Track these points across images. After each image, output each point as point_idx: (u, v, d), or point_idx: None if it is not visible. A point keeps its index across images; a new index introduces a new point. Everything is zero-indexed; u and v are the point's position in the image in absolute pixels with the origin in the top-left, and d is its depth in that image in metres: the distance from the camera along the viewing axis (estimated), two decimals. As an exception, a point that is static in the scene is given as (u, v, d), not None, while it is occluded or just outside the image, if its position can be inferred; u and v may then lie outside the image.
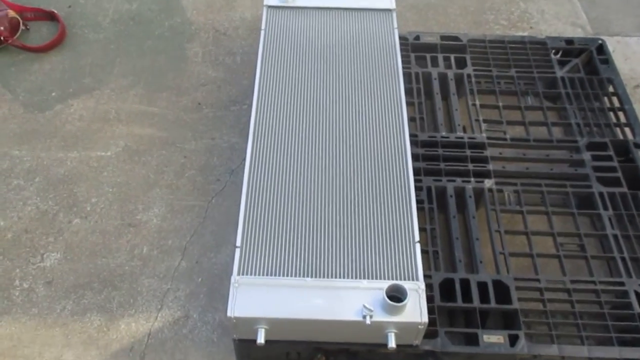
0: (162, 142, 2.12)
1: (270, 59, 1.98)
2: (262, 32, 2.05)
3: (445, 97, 2.14)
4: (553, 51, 2.26)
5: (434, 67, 2.20)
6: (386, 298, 1.35)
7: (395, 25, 2.09)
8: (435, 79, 2.16)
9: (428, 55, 2.23)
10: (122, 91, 2.28)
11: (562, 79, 2.16)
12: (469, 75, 2.16)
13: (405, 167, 1.68)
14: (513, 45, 2.28)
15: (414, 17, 2.61)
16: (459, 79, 2.18)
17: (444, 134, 1.98)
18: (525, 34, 2.53)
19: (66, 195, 1.95)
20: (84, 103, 2.23)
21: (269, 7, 2.13)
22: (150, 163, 2.05)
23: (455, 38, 2.30)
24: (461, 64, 2.22)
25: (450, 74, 2.17)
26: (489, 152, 1.93)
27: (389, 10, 2.14)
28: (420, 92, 2.12)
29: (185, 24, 2.55)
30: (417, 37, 2.30)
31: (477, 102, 2.08)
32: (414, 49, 2.26)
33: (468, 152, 1.92)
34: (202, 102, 2.25)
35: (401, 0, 2.67)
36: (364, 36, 2.06)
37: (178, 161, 2.06)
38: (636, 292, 1.60)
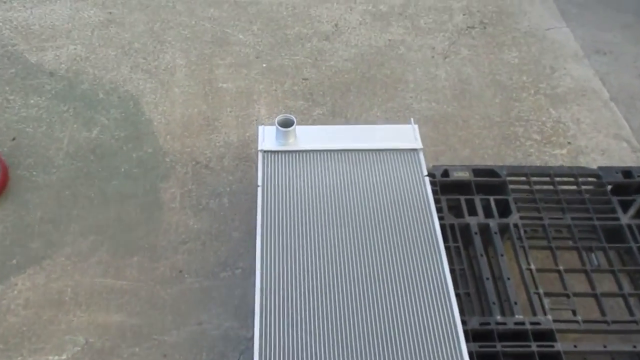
0: (134, 334, 1.64)
1: (272, 226, 1.53)
2: (260, 190, 1.61)
3: (491, 257, 1.72)
4: (609, 186, 1.87)
5: (472, 215, 1.78)
6: None
7: (425, 173, 1.67)
8: (475, 233, 1.74)
9: (462, 199, 1.81)
10: (80, 259, 1.80)
11: (629, 227, 1.76)
12: (516, 226, 1.75)
13: None
14: (562, 180, 1.88)
15: (432, 133, 2.20)
16: (504, 230, 1.76)
17: (499, 318, 1.55)
18: (564, 151, 2.14)
19: None
20: (31, 280, 1.75)
21: (265, 152, 1.69)
22: (119, 369, 1.57)
23: (492, 172, 1.89)
24: (504, 208, 1.80)
25: (493, 224, 1.75)
26: (560, 346, 1.50)
27: (415, 150, 1.72)
28: (459, 252, 1.69)
29: (158, 154, 2.10)
30: (446, 173, 1.88)
31: (532, 266, 1.66)
32: (444, 189, 1.85)
33: (534, 347, 1.49)
34: (183, 268, 1.79)
35: (413, 112, 2.26)
36: (387, 185, 1.63)
37: (156, 364, 1.58)
38: None
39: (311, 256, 1.48)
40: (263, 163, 1.67)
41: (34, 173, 2.02)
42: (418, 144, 1.73)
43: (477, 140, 2.18)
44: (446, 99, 2.33)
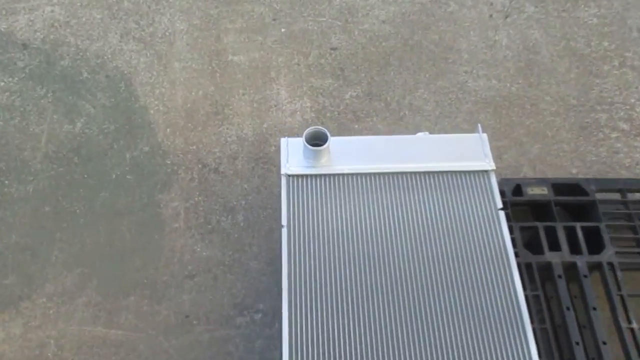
0: (132, 404, 1.33)
1: (302, 281, 1.18)
2: (285, 232, 1.24)
3: (578, 310, 1.35)
4: None
5: (554, 249, 1.40)
6: None
7: (499, 205, 1.27)
8: (559, 276, 1.36)
9: (541, 227, 1.42)
10: (65, 299, 1.47)
11: None
12: (611, 266, 1.37)
13: None
14: (668, 198, 1.48)
15: (493, 121, 1.77)
16: (594, 268, 1.39)
17: (594, 402, 1.21)
18: (661, 146, 1.72)
19: None
20: (5, 330, 1.42)
21: (290, 177, 1.30)
22: None
23: (576, 188, 1.49)
24: (594, 239, 1.41)
25: (582, 263, 1.37)
26: None
27: (485, 172, 1.32)
28: (538, 302, 1.33)
29: (156, 154, 1.71)
30: (518, 190, 1.49)
31: (635, 325, 1.30)
32: (516, 213, 1.46)
33: None
34: (190, 312, 1.45)
35: (469, 94, 1.83)
36: (448, 223, 1.25)
37: None
38: None
39: (352, 320, 1.13)
40: (288, 192, 1.28)
41: (6, 182, 1.65)
42: (489, 163, 1.32)
43: (549, 132, 1.76)
44: (509, 74, 1.88)
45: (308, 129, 1.31)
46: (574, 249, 1.40)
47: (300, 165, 1.32)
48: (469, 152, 1.35)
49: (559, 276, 1.36)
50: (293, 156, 1.33)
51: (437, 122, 1.77)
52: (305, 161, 1.32)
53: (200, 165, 1.69)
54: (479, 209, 1.27)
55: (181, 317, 1.44)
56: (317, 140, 1.33)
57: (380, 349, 1.10)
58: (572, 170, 1.68)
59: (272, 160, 1.69)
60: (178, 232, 1.57)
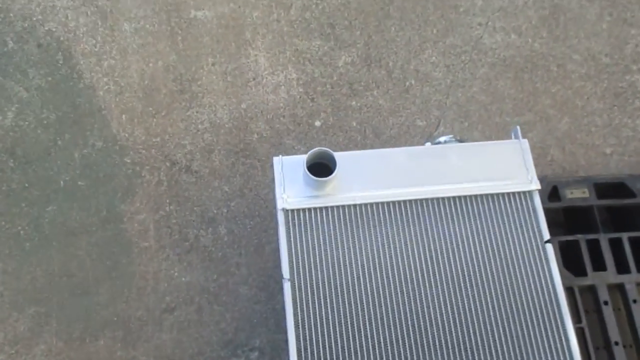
0: None
1: (312, 343, 0.96)
2: (288, 287, 0.99)
3: (629, 345, 1.17)
4: None
5: (598, 269, 1.19)
6: None
7: (546, 236, 1.04)
8: (605, 303, 1.17)
9: (582, 239, 1.21)
10: (19, 350, 1.22)
11: None
12: (663, 285, 1.18)
13: None
14: None
15: (513, 89, 1.49)
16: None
17: None
18: None
19: None
20: (-51, 395, 1.18)
21: (289, 212, 1.03)
22: None
23: (621, 188, 1.26)
24: (642, 252, 1.22)
25: (630, 285, 1.18)
26: None
27: (527, 192, 1.07)
28: (583, 337, 1.14)
29: (112, 150, 1.39)
30: (554, 191, 1.25)
31: (692, 358, 1.13)
32: (551, 219, 1.23)
33: None
34: (173, 356, 1.23)
35: (485, 55, 1.53)
36: (482, 260, 1.03)
37: None
38: None
39: None
40: (288, 233, 1.02)
41: None
42: (532, 180, 1.07)
43: (578, 101, 1.49)
44: (531, 25, 1.57)
45: (310, 152, 1.02)
46: (622, 265, 1.20)
47: (301, 194, 1.04)
48: (507, 165, 1.09)
49: (605, 302, 1.17)
50: (291, 182, 1.05)
51: (448, 93, 1.48)
52: (307, 189, 1.04)
53: (168, 163, 1.39)
54: (521, 242, 1.04)
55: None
56: (321, 160, 1.05)
57: None
58: (606, 150, 1.45)
59: (256, 153, 1.40)
60: (149, 253, 1.31)
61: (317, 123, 1.43)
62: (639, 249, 1.21)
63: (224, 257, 1.30)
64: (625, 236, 1.21)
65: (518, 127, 1.11)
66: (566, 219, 1.29)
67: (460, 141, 1.15)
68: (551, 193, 1.25)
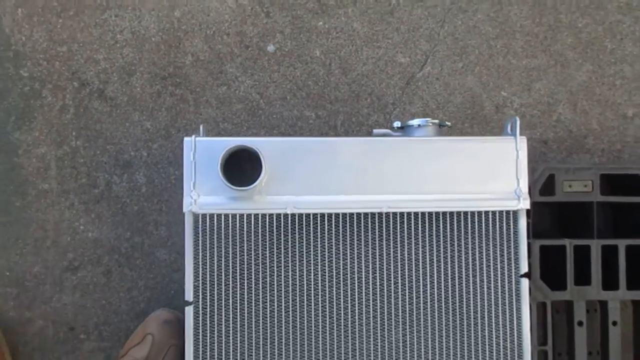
0: None
1: None
2: (189, 311, 0.79)
3: (596, 368, 1.01)
4: None
5: (581, 284, 0.99)
6: None
7: (524, 269, 0.83)
8: (579, 323, 0.98)
9: (570, 245, 0.99)
10: None
11: None
12: (652, 309, 1.00)
13: None
14: None
15: (529, 20, 1.15)
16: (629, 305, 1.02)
17: None
18: None
19: None
20: None
21: (201, 217, 0.80)
22: None
23: (636, 181, 1.01)
24: (637, 264, 1.00)
25: (614, 304, 0.99)
26: None
27: (514, 212, 0.83)
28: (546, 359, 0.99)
29: (4, 58, 1.09)
30: (550, 180, 1.00)
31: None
32: (540, 215, 1.00)
33: None
34: (75, 323, 1.06)
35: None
36: (447, 287, 0.83)
37: None
38: None
39: None
40: (196, 243, 0.80)
41: None
42: (520, 197, 0.83)
43: (608, 43, 1.16)
44: None
45: (227, 150, 0.75)
46: (609, 279, 1.00)
47: (218, 193, 0.79)
48: (493, 171, 0.83)
49: (579, 323, 0.99)
50: (205, 175, 0.80)
51: (445, 20, 1.14)
52: (227, 188, 0.79)
53: (76, 83, 1.09)
54: (491, 273, 0.83)
55: (63, 329, 1.06)
56: (240, 176, 0.79)
57: None
58: (627, 111, 1.16)
59: (189, 81, 1.10)
60: (49, 197, 1.07)
61: (271, 48, 1.11)
62: (636, 259, 1.00)
63: (141, 212, 1.08)
64: (622, 244, 0.99)
65: (517, 119, 0.84)
66: (559, 216, 1.06)
67: (440, 125, 0.87)
68: (546, 182, 1.00)
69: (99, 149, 1.08)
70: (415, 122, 0.85)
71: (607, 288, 0.99)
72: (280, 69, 1.11)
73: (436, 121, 0.85)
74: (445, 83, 1.13)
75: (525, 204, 0.82)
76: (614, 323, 0.99)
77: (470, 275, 0.82)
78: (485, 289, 0.82)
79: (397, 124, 0.87)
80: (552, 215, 1.06)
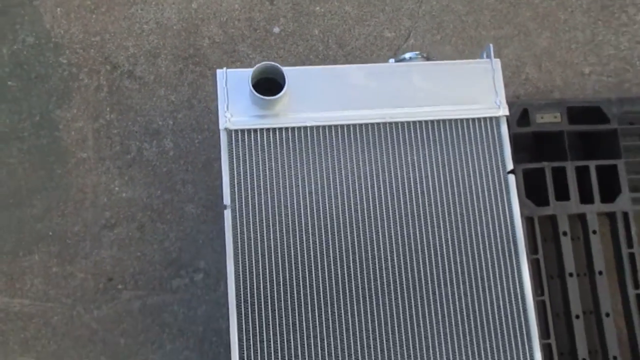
0: (52, 391, 1.11)
1: (252, 277, 0.91)
2: (228, 214, 0.92)
3: (583, 274, 1.14)
4: None
5: (562, 199, 1.14)
6: None
7: (509, 166, 0.97)
8: (564, 233, 1.12)
9: (547, 167, 1.14)
10: (-54, 263, 1.15)
11: None
12: (625, 216, 1.14)
13: None
14: None
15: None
16: (604, 216, 1.16)
17: (591, 387, 1.07)
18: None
19: None
20: None
21: (234, 132, 0.94)
22: None
23: (596, 113, 1.18)
24: (609, 182, 1.16)
25: (591, 215, 1.13)
26: None
27: (493, 119, 0.99)
28: (537, 267, 1.11)
29: (45, 48, 1.25)
30: (524, 114, 1.17)
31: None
32: (519, 144, 1.16)
33: None
34: (114, 274, 1.17)
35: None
36: (444, 183, 0.96)
37: None
38: None
39: (321, 325, 0.90)
40: (231, 155, 0.93)
41: None
42: (500, 106, 0.99)
43: (561, 14, 1.37)
44: None
45: (256, 67, 0.91)
46: (585, 195, 1.14)
47: (247, 113, 0.94)
48: (475, 87, 1.00)
49: (564, 233, 1.13)
50: (236, 99, 0.95)
51: (422, 1, 1.35)
52: (254, 108, 0.94)
53: (108, 67, 1.25)
54: (482, 171, 0.97)
55: (103, 280, 1.16)
56: (270, 75, 0.94)
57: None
58: (584, 69, 1.35)
59: (207, 60, 1.27)
60: (87, 164, 1.21)
61: (276, 29, 1.30)
62: (606, 178, 1.15)
63: (169, 173, 1.21)
64: (592, 164, 1.15)
65: (491, 45, 1.01)
66: (535, 145, 1.22)
67: (427, 58, 1.04)
68: (521, 116, 1.17)
69: (130, 120, 1.23)
70: (407, 55, 1.02)
71: (584, 203, 1.14)
72: (285, 46, 1.29)
73: (425, 54, 1.02)
74: (427, 52, 1.32)
75: (504, 111, 0.98)
76: (594, 232, 1.13)
77: (465, 175, 0.96)
78: (479, 186, 0.96)
79: (391, 60, 1.04)
80: (530, 145, 1.21)
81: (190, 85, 1.26)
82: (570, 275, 1.11)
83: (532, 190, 1.14)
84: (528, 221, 1.12)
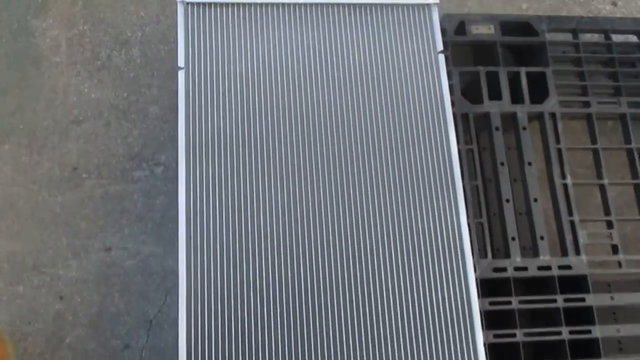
0: (14, 267, 1.17)
1: (202, 139, 0.99)
2: (182, 75, 1.01)
3: (515, 166, 1.24)
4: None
5: (494, 99, 1.24)
6: None
7: (440, 47, 1.08)
8: (497, 128, 1.22)
9: (482, 71, 1.25)
10: None
11: None
12: (552, 117, 1.24)
13: None
14: (626, 41, 1.33)
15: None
16: (534, 120, 1.26)
17: (518, 260, 1.14)
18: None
19: None
20: None
21: (189, 4, 1.04)
22: (-3, 319, 1.14)
23: (526, 27, 1.30)
24: (539, 87, 1.26)
25: (522, 114, 1.23)
26: (594, 299, 1.12)
27: (426, 5, 1.10)
28: (472, 157, 1.20)
29: (27, -32, 1.37)
30: (461, 27, 1.28)
31: (569, 180, 1.20)
32: (457, 53, 1.27)
33: (560, 302, 1.11)
34: (79, 164, 1.25)
35: None
36: (375, 70, 1.06)
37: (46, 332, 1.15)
38: None
39: (263, 185, 0.98)
40: (187, 25, 1.03)
41: None
42: (432, -6, 1.10)
43: (502, -42, 1.52)
44: None
45: (209, -61, 1.03)
46: (516, 97, 1.25)
47: (203, -15, 1.05)
48: (410, -22, 1.11)
49: (496, 128, 1.22)
50: (192, -25, 1.05)
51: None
52: (208, -17, 1.05)
53: (84, -15, 1.37)
54: (415, 51, 1.08)
55: (68, 169, 1.24)
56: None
57: (292, 212, 0.96)
58: (522, 5, 1.48)
59: (175, -19, 1.38)
60: (59, 67, 1.30)
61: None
62: (535, 83, 1.26)
63: (136, 78, 1.31)
64: (523, 70, 1.26)
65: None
66: (473, 55, 1.32)
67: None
68: (458, 27, 1.28)
69: (102, 31, 1.34)
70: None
71: (516, 103, 1.24)
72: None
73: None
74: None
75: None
76: (524, 128, 1.23)
77: (400, 55, 1.06)
78: (412, 64, 1.06)
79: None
80: (468, 55, 1.32)
81: (159, 2, 1.37)
82: (502, 164, 1.20)
83: (468, 93, 1.25)
84: (464, 117, 1.22)
